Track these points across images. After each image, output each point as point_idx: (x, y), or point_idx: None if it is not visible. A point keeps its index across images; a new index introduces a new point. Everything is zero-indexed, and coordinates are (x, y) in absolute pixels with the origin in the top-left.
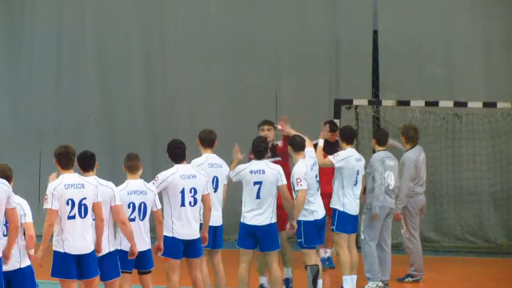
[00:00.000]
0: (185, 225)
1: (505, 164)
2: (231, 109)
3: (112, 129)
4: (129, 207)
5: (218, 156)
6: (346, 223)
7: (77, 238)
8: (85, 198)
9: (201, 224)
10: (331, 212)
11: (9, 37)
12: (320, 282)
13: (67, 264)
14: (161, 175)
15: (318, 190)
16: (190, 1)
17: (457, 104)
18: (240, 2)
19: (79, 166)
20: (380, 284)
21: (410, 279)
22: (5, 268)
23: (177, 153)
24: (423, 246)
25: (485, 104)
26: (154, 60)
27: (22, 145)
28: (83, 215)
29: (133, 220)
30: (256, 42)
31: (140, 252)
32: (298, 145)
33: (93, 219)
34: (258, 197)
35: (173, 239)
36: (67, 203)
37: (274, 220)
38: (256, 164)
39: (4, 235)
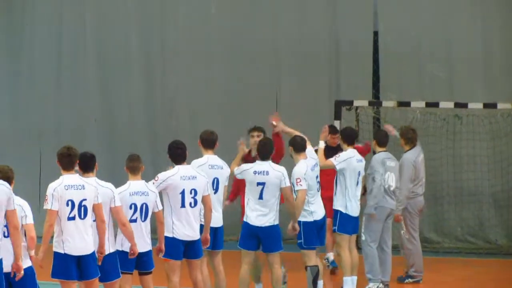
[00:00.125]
0: (185, 226)
1: (505, 165)
2: (231, 109)
3: (112, 129)
4: (130, 208)
5: (218, 157)
6: (348, 224)
7: (77, 239)
8: (85, 199)
9: (201, 225)
10: (332, 215)
11: (9, 37)
12: (320, 283)
13: (67, 265)
14: (161, 175)
15: (318, 191)
16: (190, 1)
17: (457, 105)
18: (240, 2)
19: (79, 167)
20: (381, 285)
21: (410, 280)
22: (7, 269)
23: (178, 154)
24: (424, 247)
25: (486, 105)
26: (154, 60)
27: (22, 145)
28: (82, 216)
29: (135, 221)
30: (256, 42)
31: (141, 253)
32: (299, 146)
33: (94, 220)
34: (260, 197)
35: (173, 239)
36: (67, 204)
37: (277, 222)
38: (260, 165)
39: (5, 236)
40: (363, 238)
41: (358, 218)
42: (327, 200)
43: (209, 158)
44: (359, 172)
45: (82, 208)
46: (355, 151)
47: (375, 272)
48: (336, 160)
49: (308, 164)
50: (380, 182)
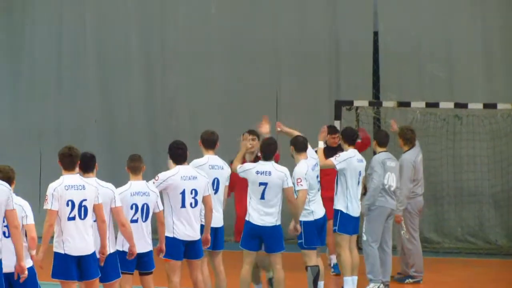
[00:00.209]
0: (185, 226)
1: (505, 165)
2: (231, 109)
3: (112, 129)
4: (131, 208)
5: (218, 157)
6: (348, 224)
7: (78, 239)
8: (85, 200)
9: (202, 225)
10: (332, 215)
11: (9, 37)
12: (321, 284)
13: (67, 265)
14: (162, 175)
15: (318, 190)
16: (190, 1)
17: (457, 105)
18: (240, 2)
19: (79, 168)
20: (381, 286)
21: (410, 280)
22: (7, 269)
23: (179, 154)
24: (424, 247)
25: (486, 105)
26: (154, 60)
27: (22, 145)
28: (82, 216)
29: (136, 221)
30: (256, 42)
31: (141, 253)
32: (301, 145)
33: (94, 221)
34: (262, 197)
35: (174, 239)
36: (67, 204)
37: (279, 222)
38: (263, 165)
39: (5, 237)
40: (364, 238)
41: (359, 218)
42: (328, 200)
43: (210, 158)
44: (360, 172)
45: (82, 208)
46: (355, 151)
47: (376, 272)
48: (336, 160)
49: (309, 164)
50: (378, 183)
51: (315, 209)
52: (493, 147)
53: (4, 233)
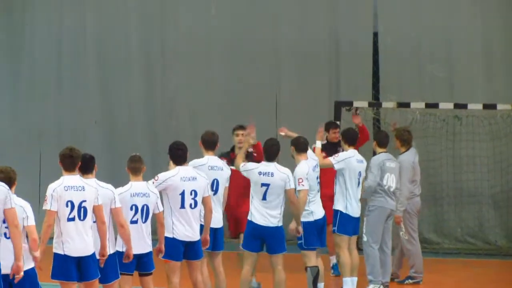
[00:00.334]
0: (185, 227)
1: (505, 166)
2: (231, 109)
3: (112, 130)
4: (131, 209)
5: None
6: (348, 225)
7: (77, 240)
8: (85, 201)
9: (201, 226)
10: (332, 216)
11: (9, 37)
12: (321, 285)
13: (67, 266)
14: (162, 175)
15: (318, 191)
16: (190, 1)
17: (457, 106)
18: (240, 2)
19: (78, 169)
20: (381, 287)
21: (410, 281)
22: (7, 270)
23: (179, 155)
24: (423, 248)
25: (485, 106)
26: (154, 60)
27: (22, 145)
28: (82, 217)
29: (136, 222)
30: (256, 42)
31: (141, 254)
32: (301, 146)
33: (94, 222)
34: (264, 198)
35: (173, 240)
36: (67, 205)
37: (281, 223)
38: (265, 166)
39: (6, 238)
40: (365, 239)
41: (359, 219)
42: (326, 198)
43: (210, 159)
44: (360, 172)
45: (82, 209)
46: (355, 151)
47: (376, 273)
48: (335, 160)
49: (309, 164)
50: (371, 183)
51: (314, 210)
52: (492, 147)
53: (5, 234)
